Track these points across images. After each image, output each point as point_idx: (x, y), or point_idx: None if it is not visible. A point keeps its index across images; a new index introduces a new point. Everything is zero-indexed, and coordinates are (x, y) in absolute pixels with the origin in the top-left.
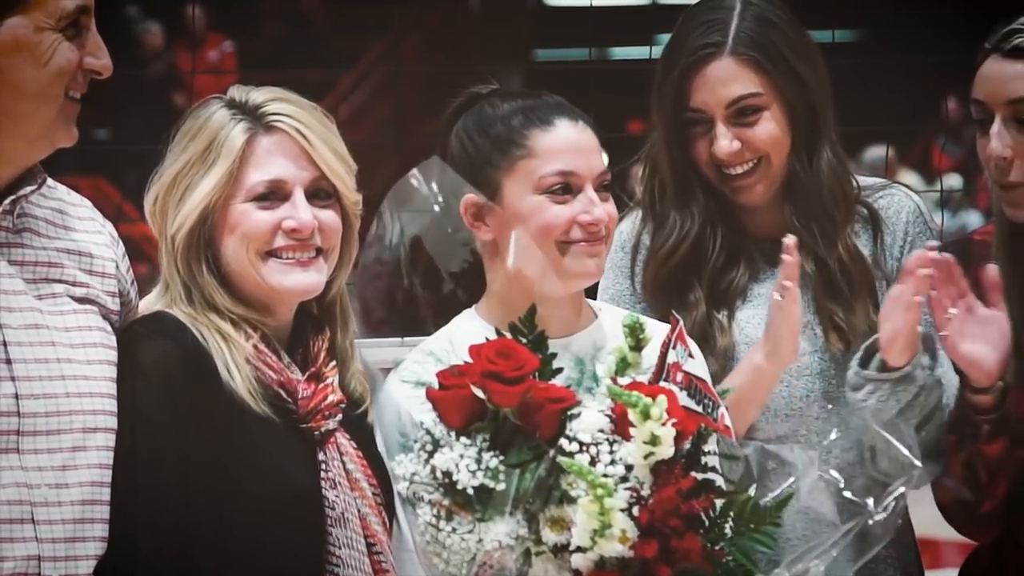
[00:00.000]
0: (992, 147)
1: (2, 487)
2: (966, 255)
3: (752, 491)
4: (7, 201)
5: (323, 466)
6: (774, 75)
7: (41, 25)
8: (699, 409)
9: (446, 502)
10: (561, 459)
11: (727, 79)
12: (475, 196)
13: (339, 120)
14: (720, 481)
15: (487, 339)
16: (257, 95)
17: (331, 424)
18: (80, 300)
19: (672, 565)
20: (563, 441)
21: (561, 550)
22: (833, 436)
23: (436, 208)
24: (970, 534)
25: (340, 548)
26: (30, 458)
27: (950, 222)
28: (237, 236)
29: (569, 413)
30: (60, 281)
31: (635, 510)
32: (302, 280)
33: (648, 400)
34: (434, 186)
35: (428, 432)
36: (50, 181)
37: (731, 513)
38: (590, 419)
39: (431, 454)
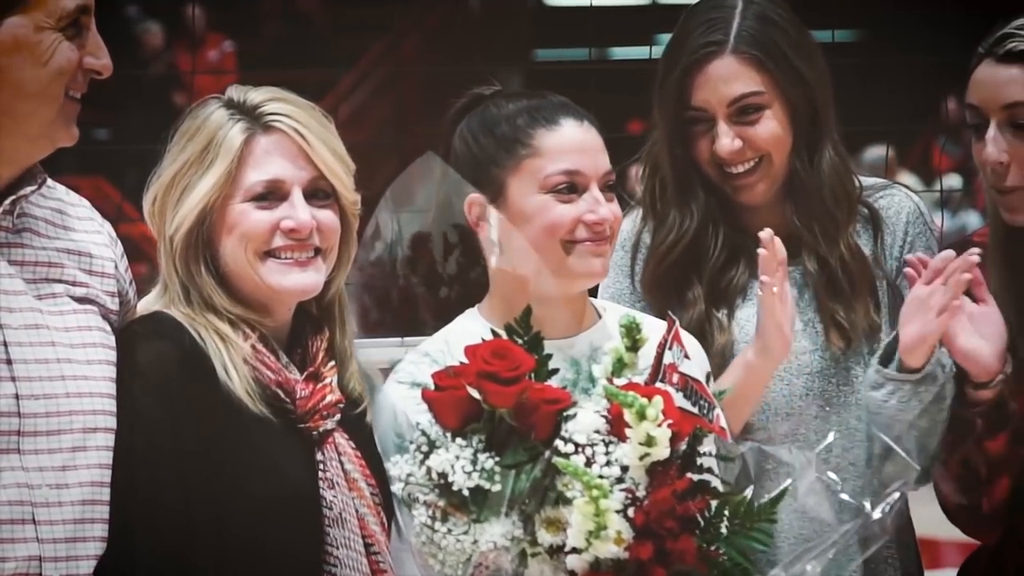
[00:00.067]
0: (988, 152)
1: (3, 487)
2: None
3: (749, 492)
4: (7, 201)
5: (321, 466)
6: (776, 74)
7: (41, 25)
8: (695, 410)
9: (442, 503)
10: (557, 460)
11: (729, 78)
12: (479, 195)
13: (339, 120)
14: (716, 482)
15: (483, 339)
16: (255, 95)
17: (329, 424)
18: (80, 300)
19: (667, 567)
20: (559, 442)
21: (557, 551)
22: (831, 438)
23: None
24: (974, 534)
25: (338, 548)
26: (31, 458)
27: (950, 222)
28: (235, 236)
29: (565, 414)
30: (60, 281)
31: (630, 511)
32: (300, 280)
33: (644, 401)
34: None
35: (424, 433)
36: (49, 181)
37: (726, 512)
38: (586, 420)
39: (427, 455)
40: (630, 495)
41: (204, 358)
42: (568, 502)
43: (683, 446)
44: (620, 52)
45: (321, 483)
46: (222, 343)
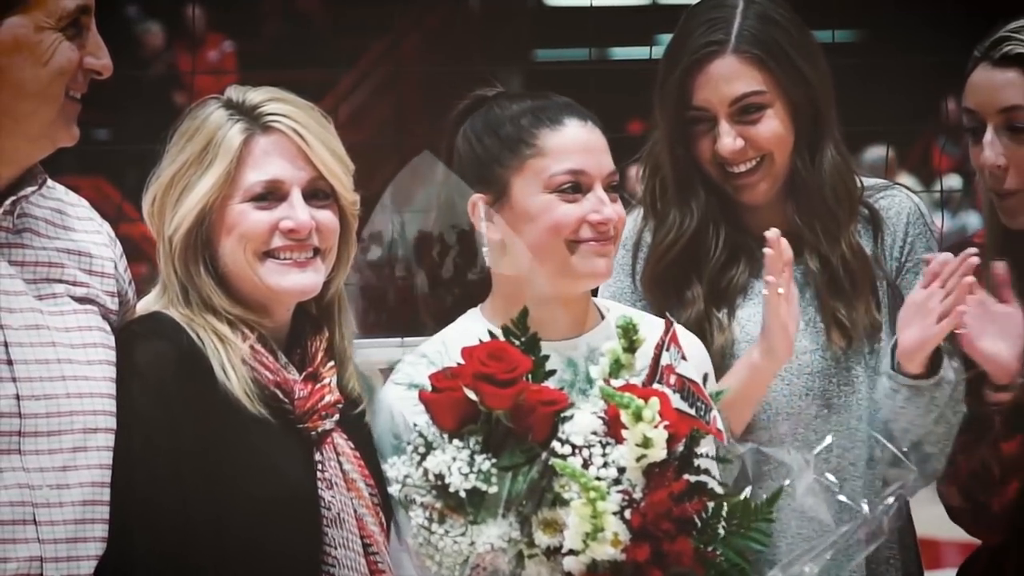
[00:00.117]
0: (986, 156)
1: (4, 488)
2: None
3: (747, 492)
4: (8, 201)
5: (319, 466)
6: (777, 73)
7: (41, 25)
8: (692, 412)
9: (438, 505)
10: (554, 461)
11: (730, 77)
12: (483, 195)
13: (339, 120)
14: (713, 484)
15: (480, 340)
16: (254, 95)
17: (328, 424)
18: (80, 300)
19: (664, 568)
20: (556, 444)
21: (554, 552)
22: (828, 440)
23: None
24: (979, 534)
25: (336, 548)
26: (31, 459)
27: (950, 222)
28: (234, 237)
29: (562, 415)
30: (60, 281)
31: (627, 513)
32: (299, 280)
33: (640, 402)
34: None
35: (420, 434)
36: (49, 181)
37: (724, 514)
38: (583, 421)
39: (423, 457)
40: (627, 497)
41: (202, 358)
42: (565, 504)
43: (680, 448)
44: (620, 52)
45: (319, 483)
46: (220, 343)
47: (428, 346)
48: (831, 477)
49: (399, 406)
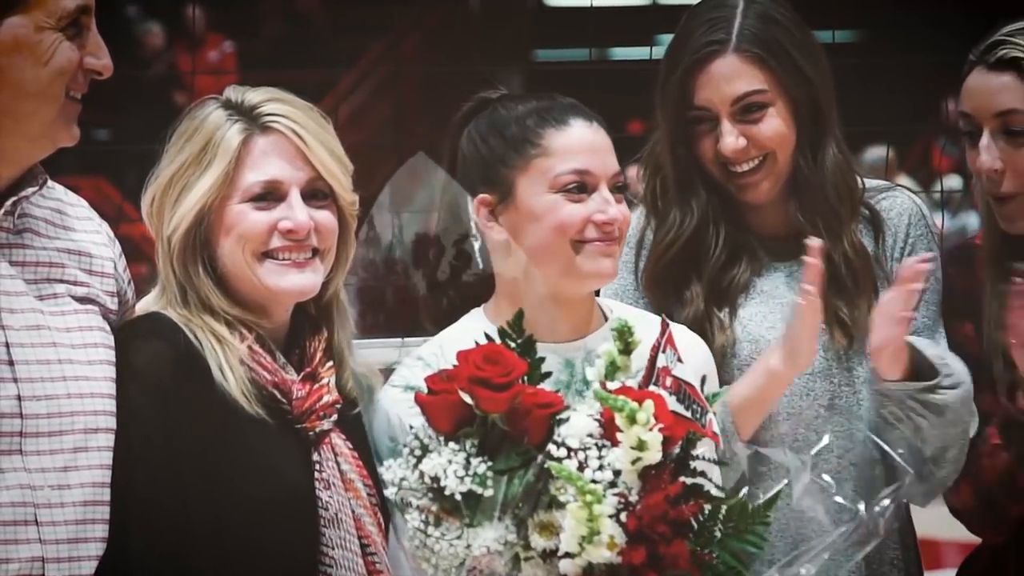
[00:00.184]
0: (982, 160)
1: (6, 489)
2: (969, 259)
3: (744, 494)
4: (9, 202)
5: (317, 467)
6: (778, 72)
7: (41, 25)
8: (688, 414)
9: (434, 507)
10: (550, 464)
11: (731, 76)
12: (487, 195)
13: (339, 120)
14: (710, 486)
15: (476, 343)
16: (253, 95)
17: (326, 424)
18: (81, 300)
19: (660, 571)
20: (551, 446)
21: (550, 555)
22: (826, 440)
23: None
24: (983, 534)
25: (334, 549)
26: (33, 459)
27: (950, 223)
28: (233, 237)
29: (558, 418)
30: (61, 281)
31: (623, 516)
32: (298, 281)
33: (634, 405)
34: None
35: (416, 437)
36: (48, 181)
37: (720, 516)
38: (579, 424)
39: (419, 459)
40: (623, 499)
41: (200, 359)
42: (561, 506)
43: (676, 450)
44: (620, 52)
45: (317, 483)
46: (218, 344)
47: (425, 348)
48: (827, 478)
49: (395, 408)
